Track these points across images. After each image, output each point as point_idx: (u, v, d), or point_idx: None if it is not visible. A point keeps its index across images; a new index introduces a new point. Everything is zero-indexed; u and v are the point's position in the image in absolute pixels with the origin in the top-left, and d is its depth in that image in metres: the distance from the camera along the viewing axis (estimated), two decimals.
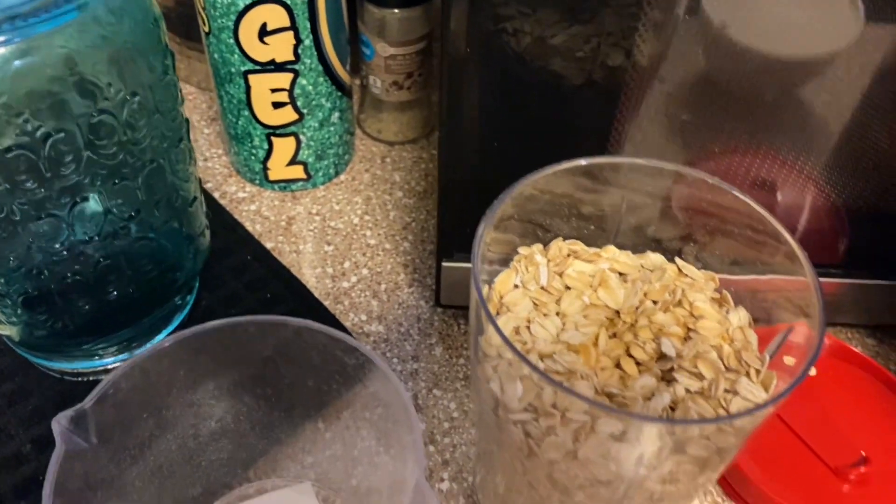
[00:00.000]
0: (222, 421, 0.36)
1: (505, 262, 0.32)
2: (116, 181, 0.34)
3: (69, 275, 0.35)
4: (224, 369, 0.34)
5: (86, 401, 0.29)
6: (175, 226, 0.38)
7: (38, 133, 0.30)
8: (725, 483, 0.40)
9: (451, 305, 0.47)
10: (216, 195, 0.54)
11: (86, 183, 0.32)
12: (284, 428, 0.38)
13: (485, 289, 0.31)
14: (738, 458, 0.38)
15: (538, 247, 0.32)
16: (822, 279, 0.43)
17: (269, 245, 0.51)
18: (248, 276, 0.48)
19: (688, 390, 0.27)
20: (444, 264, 0.43)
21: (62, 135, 0.30)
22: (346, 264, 0.50)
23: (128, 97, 0.32)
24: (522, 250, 0.32)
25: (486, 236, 0.28)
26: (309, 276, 0.50)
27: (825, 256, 0.43)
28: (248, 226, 0.52)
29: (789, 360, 0.27)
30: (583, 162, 0.30)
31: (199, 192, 0.41)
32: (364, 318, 0.47)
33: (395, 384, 0.31)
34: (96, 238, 0.35)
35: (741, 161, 0.38)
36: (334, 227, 0.53)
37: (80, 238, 0.34)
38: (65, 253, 0.34)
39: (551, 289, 0.30)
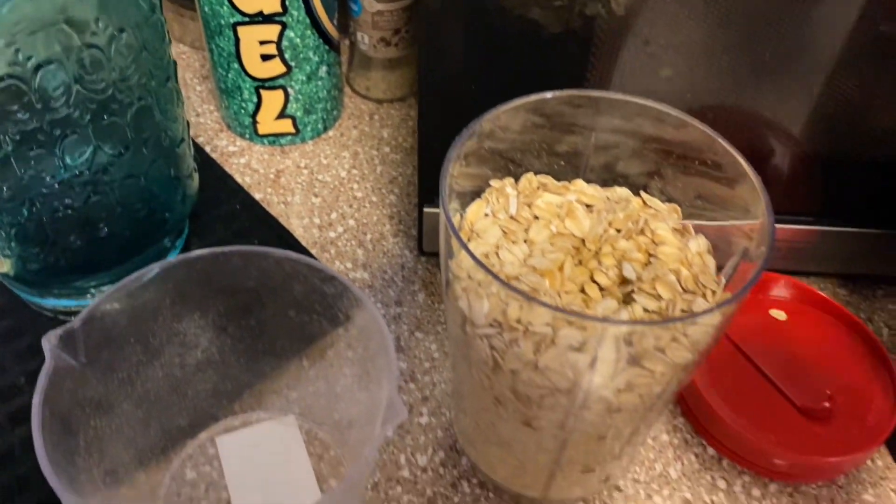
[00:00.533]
0: (207, 352, 0.38)
1: (478, 195, 0.33)
2: (105, 117, 0.35)
3: (60, 208, 0.36)
4: (209, 300, 0.36)
5: (74, 320, 0.31)
6: (163, 166, 0.40)
7: (30, 63, 0.31)
8: (694, 420, 0.42)
9: (433, 253, 0.49)
10: (207, 149, 0.55)
11: (75, 117, 0.34)
12: (269, 361, 0.39)
13: (456, 218, 0.32)
14: (708, 397, 0.40)
15: (509, 180, 0.33)
16: (792, 226, 0.45)
17: (257, 196, 0.52)
18: (236, 225, 0.49)
19: (646, 310, 0.29)
20: (426, 210, 0.44)
21: (52, 66, 0.31)
22: (333, 215, 0.52)
23: (115, 33, 0.33)
24: (494, 183, 0.33)
25: (453, 167, 0.30)
26: (296, 226, 0.51)
27: (797, 204, 0.44)
28: (238, 178, 0.54)
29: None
30: (548, 95, 0.31)
31: (188, 135, 0.42)
32: (350, 265, 0.49)
33: (370, 309, 0.33)
34: (86, 173, 0.36)
35: (717, 111, 0.39)
36: (322, 181, 0.54)
37: (71, 173, 0.36)
38: (56, 186, 0.36)
39: (520, 218, 0.31)
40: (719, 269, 0.31)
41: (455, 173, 0.31)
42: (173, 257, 0.45)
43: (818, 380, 0.42)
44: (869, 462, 0.41)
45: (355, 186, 0.54)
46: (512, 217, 0.31)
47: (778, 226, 0.44)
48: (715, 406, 0.40)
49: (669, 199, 0.33)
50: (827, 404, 0.40)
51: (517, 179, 0.33)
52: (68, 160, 0.35)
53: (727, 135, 0.30)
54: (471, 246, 0.30)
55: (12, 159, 0.33)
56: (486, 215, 0.32)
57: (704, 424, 0.41)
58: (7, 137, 0.33)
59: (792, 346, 0.43)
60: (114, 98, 0.35)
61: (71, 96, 0.33)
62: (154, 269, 0.33)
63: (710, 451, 0.41)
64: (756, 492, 0.40)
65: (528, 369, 0.27)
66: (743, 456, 0.40)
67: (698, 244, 0.31)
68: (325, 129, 0.57)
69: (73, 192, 0.36)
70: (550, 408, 0.28)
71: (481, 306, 0.28)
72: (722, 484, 0.40)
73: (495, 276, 0.26)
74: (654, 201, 0.32)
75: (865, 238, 0.45)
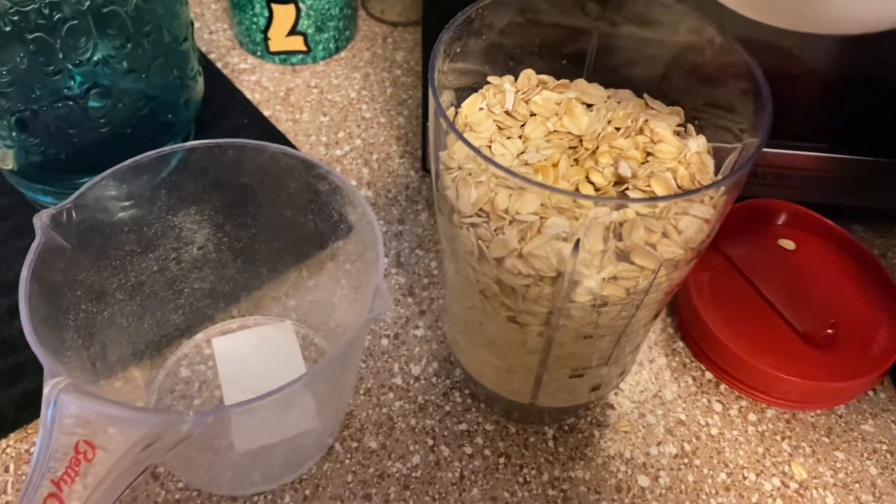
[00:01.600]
0: (204, 249, 0.38)
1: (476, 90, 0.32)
2: (105, 4, 0.35)
3: (60, 99, 0.36)
4: (204, 193, 0.36)
5: (66, 201, 0.31)
6: (165, 64, 0.39)
7: None
8: (693, 344, 0.41)
9: None
10: (219, 65, 0.55)
11: (73, 1, 0.33)
12: (266, 263, 0.39)
13: (451, 111, 0.31)
14: (707, 320, 0.39)
15: (508, 77, 0.32)
16: (807, 153, 0.44)
17: (266, 113, 0.52)
18: (243, 137, 0.49)
19: (638, 213, 0.28)
20: (429, 124, 0.44)
21: None
22: (341, 134, 0.51)
23: None
24: (492, 79, 0.32)
25: (441, 62, 0.29)
26: (303, 143, 0.51)
27: (813, 131, 0.43)
28: (248, 94, 0.53)
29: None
30: None
31: (191, 36, 0.42)
32: (354, 182, 0.49)
33: (361, 205, 0.32)
34: (86, 63, 0.36)
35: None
36: (331, 100, 0.54)
37: (71, 61, 0.35)
38: (56, 77, 0.36)
39: (516, 114, 0.31)
40: (718, 170, 0.30)
41: (444, 69, 0.30)
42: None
43: (822, 308, 0.41)
44: (871, 393, 0.40)
45: (364, 107, 0.53)
46: (508, 112, 0.31)
47: (792, 152, 0.43)
48: (714, 329, 0.39)
49: (674, 104, 0.32)
50: (830, 331, 0.39)
51: (518, 78, 0.33)
52: (67, 48, 0.35)
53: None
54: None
55: (11, 42, 0.33)
56: (481, 109, 0.31)
57: (703, 348, 0.40)
58: (6, 18, 0.32)
59: (798, 274, 0.42)
60: None
61: None
62: (148, 156, 0.33)
63: (708, 375, 0.41)
64: (752, 416, 0.39)
65: (513, 257, 0.27)
66: (741, 380, 0.39)
67: (698, 144, 0.30)
68: (338, 49, 0.56)
69: (73, 83, 0.36)
70: (535, 300, 0.28)
71: (469, 195, 0.27)
72: (718, 407, 0.39)
73: (487, 158, 0.25)
74: (656, 102, 0.31)
75: (880, 168, 0.43)
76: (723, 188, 0.26)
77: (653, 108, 0.31)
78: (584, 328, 0.29)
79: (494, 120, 0.30)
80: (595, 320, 0.29)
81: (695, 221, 0.26)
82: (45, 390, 0.25)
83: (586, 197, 0.25)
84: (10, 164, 0.39)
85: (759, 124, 0.26)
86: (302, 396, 0.30)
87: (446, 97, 0.31)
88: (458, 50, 0.30)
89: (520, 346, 0.31)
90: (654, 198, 0.25)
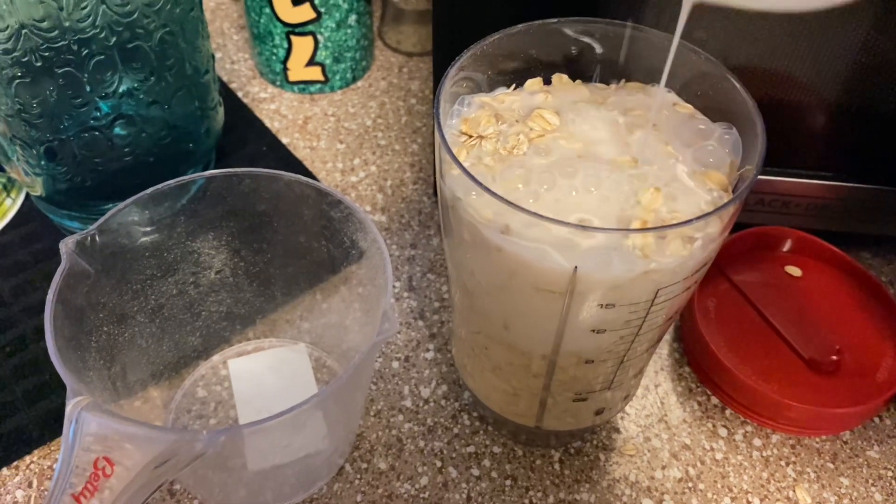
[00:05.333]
0: (221, 273, 0.39)
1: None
2: (131, 40, 0.36)
3: (87, 129, 0.38)
4: (222, 220, 0.37)
5: (91, 228, 0.32)
6: (187, 95, 0.41)
7: None
8: (699, 369, 0.42)
9: None
10: (240, 94, 0.57)
11: (101, 37, 0.35)
12: (280, 287, 0.41)
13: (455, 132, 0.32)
14: (713, 345, 0.40)
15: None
16: (814, 181, 0.44)
17: (284, 140, 0.54)
18: (261, 164, 0.50)
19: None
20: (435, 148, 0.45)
21: None
22: (356, 161, 0.53)
23: None
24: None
25: (448, 85, 0.30)
26: (320, 170, 0.52)
27: (819, 160, 0.44)
28: (267, 122, 0.55)
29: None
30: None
31: (212, 69, 0.43)
32: (368, 208, 0.50)
33: (371, 231, 0.33)
34: (112, 96, 0.37)
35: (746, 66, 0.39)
36: (348, 128, 0.55)
37: (97, 94, 0.37)
38: (83, 109, 0.37)
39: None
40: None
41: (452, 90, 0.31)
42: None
43: (828, 334, 0.41)
44: (876, 420, 0.41)
45: (380, 135, 0.55)
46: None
47: (798, 180, 0.44)
48: (720, 354, 0.39)
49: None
50: (835, 357, 0.40)
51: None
52: (93, 81, 0.36)
53: (752, 86, 0.30)
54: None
55: (41, 76, 0.35)
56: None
57: (709, 373, 0.41)
58: (37, 54, 0.34)
59: (804, 301, 0.43)
60: (139, 22, 0.36)
61: (97, 16, 0.34)
62: (169, 184, 0.34)
63: (714, 400, 0.41)
64: (758, 442, 0.39)
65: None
66: (746, 405, 0.40)
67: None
68: (354, 79, 0.58)
69: (99, 114, 0.38)
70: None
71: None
72: (723, 432, 0.40)
73: (486, 189, 0.26)
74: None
75: (886, 196, 0.44)
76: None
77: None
78: (584, 352, 0.30)
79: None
80: (596, 346, 0.29)
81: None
82: (68, 408, 0.26)
83: (585, 228, 0.26)
84: (38, 191, 0.41)
85: (752, 159, 0.27)
86: (312, 417, 0.31)
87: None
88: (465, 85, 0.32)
89: (524, 371, 0.32)
90: (648, 228, 0.26)
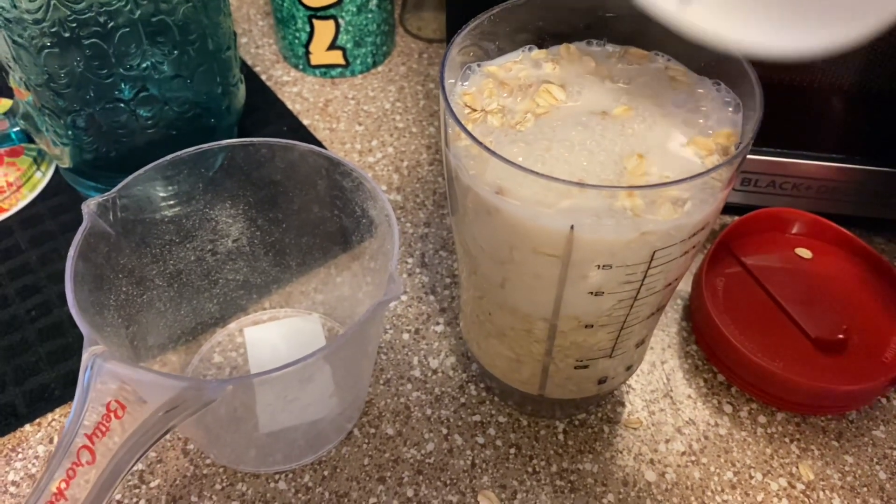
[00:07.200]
0: (238, 242, 0.40)
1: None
2: (154, 13, 0.38)
3: (112, 101, 0.39)
4: (239, 189, 0.38)
5: (112, 191, 0.34)
6: (209, 71, 0.42)
7: None
8: (706, 347, 0.42)
9: None
10: (263, 77, 0.58)
11: (127, 10, 0.37)
12: (296, 257, 0.42)
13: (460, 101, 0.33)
14: (720, 323, 0.40)
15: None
16: (825, 164, 0.44)
17: (305, 122, 0.55)
18: None
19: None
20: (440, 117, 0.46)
21: None
22: (374, 142, 0.54)
23: None
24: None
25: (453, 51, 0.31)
26: (338, 150, 0.53)
27: (831, 142, 0.44)
28: (289, 104, 0.56)
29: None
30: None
31: (234, 46, 0.45)
32: (385, 187, 0.51)
33: (380, 198, 0.34)
34: (136, 68, 0.39)
35: None
36: (367, 111, 0.56)
37: (122, 66, 0.39)
38: (108, 81, 0.39)
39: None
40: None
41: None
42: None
43: (835, 314, 0.41)
44: (883, 401, 0.41)
45: (398, 118, 0.56)
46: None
47: (810, 162, 0.44)
48: (726, 331, 0.40)
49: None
50: (841, 336, 0.40)
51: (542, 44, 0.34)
52: (118, 54, 0.38)
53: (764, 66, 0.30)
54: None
55: (69, 46, 0.36)
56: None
57: (716, 351, 0.41)
58: (65, 25, 0.36)
59: (813, 282, 0.43)
60: None
61: None
62: (188, 151, 0.36)
63: (720, 377, 0.41)
64: (762, 419, 0.40)
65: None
66: (752, 383, 0.40)
67: None
68: (375, 63, 0.59)
69: (124, 87, 0.39)
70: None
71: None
72: (728, 409, 0.40)
73: (490, 151, 0.27)
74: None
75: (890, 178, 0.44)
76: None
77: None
78: (585, 316, 0.31)
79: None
80: (595, 310, 0.30)
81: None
82: (84, 356, 0.28)
83: (581, 185, 0.26)
84: (66, 162, 0.43)
85: (748, 129, 0.28)
86: (320, 371, 0.32)
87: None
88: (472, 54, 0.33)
89: (526, 336, 0.33)
90: (640, 186, 0.27)
